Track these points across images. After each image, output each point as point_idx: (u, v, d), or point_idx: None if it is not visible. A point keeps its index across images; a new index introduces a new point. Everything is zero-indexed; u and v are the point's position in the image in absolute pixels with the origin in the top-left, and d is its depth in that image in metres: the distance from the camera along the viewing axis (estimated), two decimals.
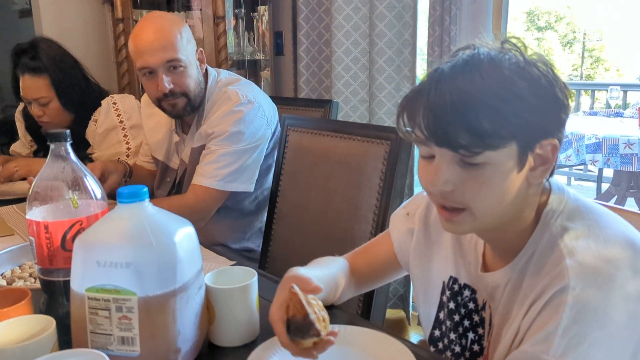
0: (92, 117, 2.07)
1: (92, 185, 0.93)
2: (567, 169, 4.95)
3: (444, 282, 0.98)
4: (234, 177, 1.62)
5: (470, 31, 2.23)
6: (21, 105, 2.28)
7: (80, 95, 1.99)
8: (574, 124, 3.45)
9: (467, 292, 0.94)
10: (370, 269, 1.13)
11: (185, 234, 0.85)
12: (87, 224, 0.90)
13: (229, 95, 1.63)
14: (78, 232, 0.89)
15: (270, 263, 1.71)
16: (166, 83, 1.56)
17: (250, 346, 0.92)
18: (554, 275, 0.76)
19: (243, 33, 2.99)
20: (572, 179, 5.19)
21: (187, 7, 2.91)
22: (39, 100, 1.90)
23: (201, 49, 1.65)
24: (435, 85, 0.75)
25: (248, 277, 0.96)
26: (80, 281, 0.80)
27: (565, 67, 8.16)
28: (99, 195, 0.94)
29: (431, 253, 1.02)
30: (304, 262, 1.06)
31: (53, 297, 0.93)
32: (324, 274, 1.00)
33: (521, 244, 0.84)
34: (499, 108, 0.72)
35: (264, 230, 1.76)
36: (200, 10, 2.78)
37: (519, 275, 0.83)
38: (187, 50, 1.58)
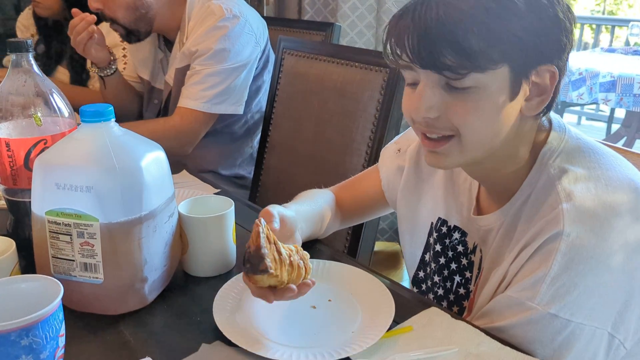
0: None
1: (59, 101, 0.86)
2: (578, 108, 4.80)
3: (432, 223, 0.94)
4: (222, 98, 1.54)
5: None
6: (23, 13, 2.22)
7: None
8: (590, 61, 3.29)
9: (456, 235, 0.89)
10: (357, 204, 1.08)
11: (153, 159, 0.79)
12: (52, 143, 0.84)
13: (212, 10, 1.52)
14: (43, 152, 0.83)
15: (261, 192, 1.67)
16: (92, 1, 1.51)
17: (224, 277, 0.89)
18: (548, 219, 0.71)
19: None
20: (583, 118, 5.05)
21: None
22: None
23: None
24: (422, 1, 0.68)
25: (225, 207, 0.91)
26: (39, 203, 0.75)
27: (588, 2, 7.77)
28: (66, 113, 0.87)
29: (420, 192, 0.97)
30: (294, 192, 1.01)
31: (19, 218, 0.88)
32: (310, 208, 0.96)
33: (516, 186, 0.78)
34: (490, 25, 0.66)
35: (255, 158, 1.70)
36: None
37: (513, 218, 0.78)
38: None
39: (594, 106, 4.82)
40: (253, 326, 0.76)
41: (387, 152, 1.05)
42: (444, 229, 0.91)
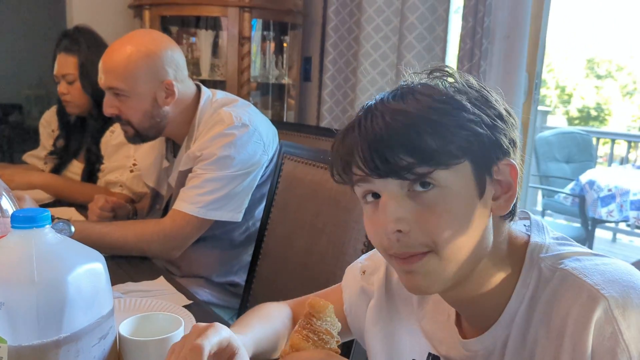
0: (110, 128, 2.04)
1: (5, 203, 0.81)
2: (612, 225, 4.59)
3: None
4: (220, 204, 1.48)
5: (502, 68, 2.05)
6: (48, 111, 2.32)
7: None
8: (620, 178, 3.17)
9: None
10: None
11: (86, 271, 0.71)
12: None
13: (221, 117, 1.50)
14: None
15: (251, 301, 1.56)
16: (107, 106, 1.51)
17: None
18: (582, 302, 0.62)
19: (269, 56, 2.90)
20: (619, 234, 4.82)
21: (216, 27, 2.85)
22: (66, 77, 2.01)
23: (170, 80, 1.49)
24: (365, 115, 0.66)
25: (174, 328, 0.81)
26: None
27: (624, 118, 7.81)
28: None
29: (395, 325, 0.86)
30: None
31: None
32: (265, 333, 0.86)
33: (504, 298, 0.69)
34: (441, 121, 0.63)
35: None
36: (227, 30, 2.71)
37: (524, 324, 0.68)
38: (138, 80, 1.45)
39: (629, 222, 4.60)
40: None
41: (352, 270, 0.95)
42: None
